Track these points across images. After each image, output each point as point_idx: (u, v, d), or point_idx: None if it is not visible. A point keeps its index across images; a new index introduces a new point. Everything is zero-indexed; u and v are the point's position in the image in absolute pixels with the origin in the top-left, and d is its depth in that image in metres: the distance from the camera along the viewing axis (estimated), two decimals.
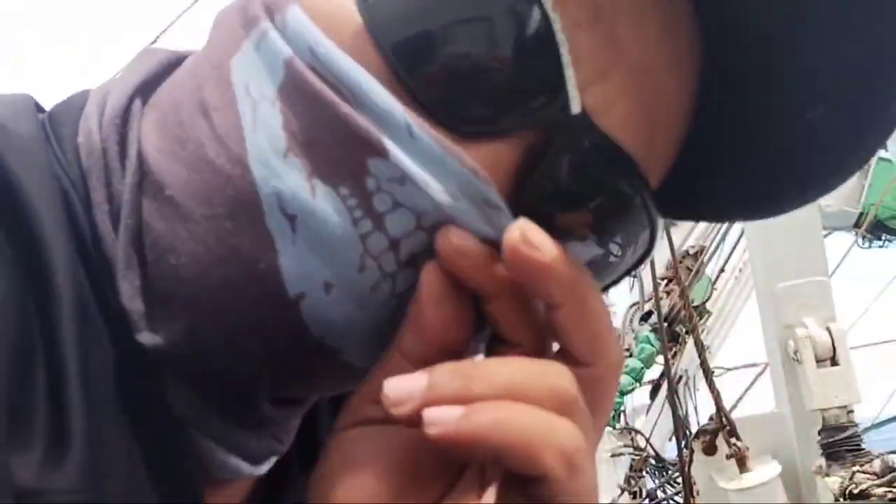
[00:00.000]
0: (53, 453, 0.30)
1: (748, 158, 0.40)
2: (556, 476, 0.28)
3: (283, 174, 0.32)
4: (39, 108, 0.40)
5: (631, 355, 4.70)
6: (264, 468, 0.40)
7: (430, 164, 0.31)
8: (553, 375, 0.30)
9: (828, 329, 2.29)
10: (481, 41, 0.32)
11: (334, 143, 0.31)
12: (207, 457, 0.37)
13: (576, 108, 0.33)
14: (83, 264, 0.34)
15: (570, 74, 0.33)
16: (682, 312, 3.79)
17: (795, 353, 2.33)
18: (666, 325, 4.65)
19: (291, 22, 0.33)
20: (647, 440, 4.50)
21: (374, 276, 0.32)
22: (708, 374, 2.57)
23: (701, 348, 2.66)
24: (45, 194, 0.34)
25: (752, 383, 4.74)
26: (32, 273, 0.32)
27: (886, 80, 0.35)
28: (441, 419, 0.28)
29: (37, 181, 0.34)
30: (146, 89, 0.39)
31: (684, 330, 4.01)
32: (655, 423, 4.59)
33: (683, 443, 2.69)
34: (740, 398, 4.65)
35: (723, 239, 4.79)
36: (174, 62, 0.41)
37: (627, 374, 4.51)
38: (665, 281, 4.70)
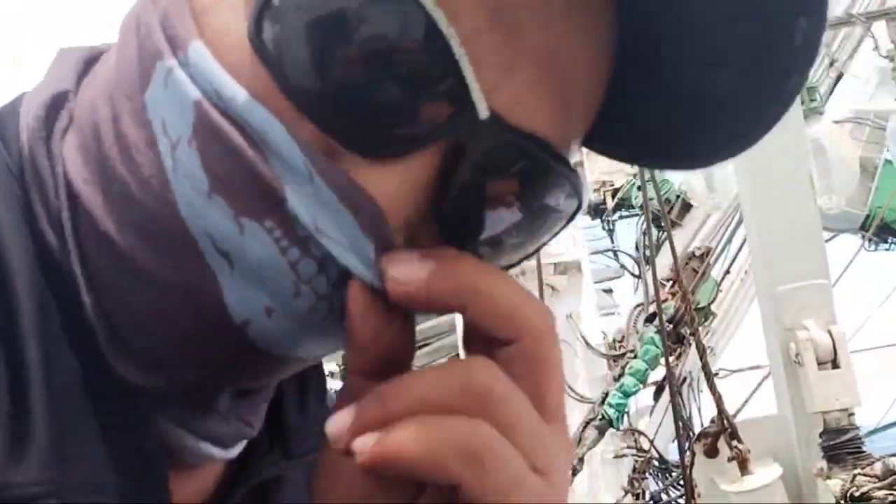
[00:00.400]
0: (16, 447, 0.31)
1: (657, 112, 0.40)
2: (466, 480, 0.29)
3: (210, 214, 0.33)
4: None
5: (635, 357, 4.70)
6: (236, 451, 0.41)
7: (325, 210, 0.32)
8: (465, 374, 0.30)
9: (829, 332, 2.29)
10: (380, 68, 0.32)
11: (251, 181, 0.32)
12: (178, 443, 0.38)
13: (484, 113, 0.33)
14: (40, 260, 0.35)
15: (472, 83, 0.33)
16: (693, 314, 3.78)
17: (797, 355, 2.33)
18: (671, 326, 4.65)
19: (195, 59, 0.33)
20: (651, 442, 4.50)
21: (310, 299, 0.34)
22: (709, 376, 2.57)
23: (702, 351, 2.66)
24: (2, 196, 0.35)
25: (757, 386, 4.72)
26: None
27: (781, 53, 0.36)
28: (360, 448, 0.29)
29: None
30: (64, 97, 0.39)
31: (689, 332, 4.00)
32: (660, 425, 4.58)
33: (686, 445, 2.69)
34: (746, 401, 4.64)
35: (729, 241, 4.78)
36: (91, 60, 0.41)
37: (632, 375, 4.49)
38: (670, 282, 4.69)
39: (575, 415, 5.28)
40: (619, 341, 4.76)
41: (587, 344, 4.72)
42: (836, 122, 5.17)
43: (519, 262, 0.40)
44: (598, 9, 0.37)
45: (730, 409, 2.58)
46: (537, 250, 0.40)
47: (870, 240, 5.30)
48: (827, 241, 3.59)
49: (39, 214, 0.36)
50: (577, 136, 0.39)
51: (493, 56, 0.33)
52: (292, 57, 0.32)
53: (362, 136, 0.33)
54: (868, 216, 4.97)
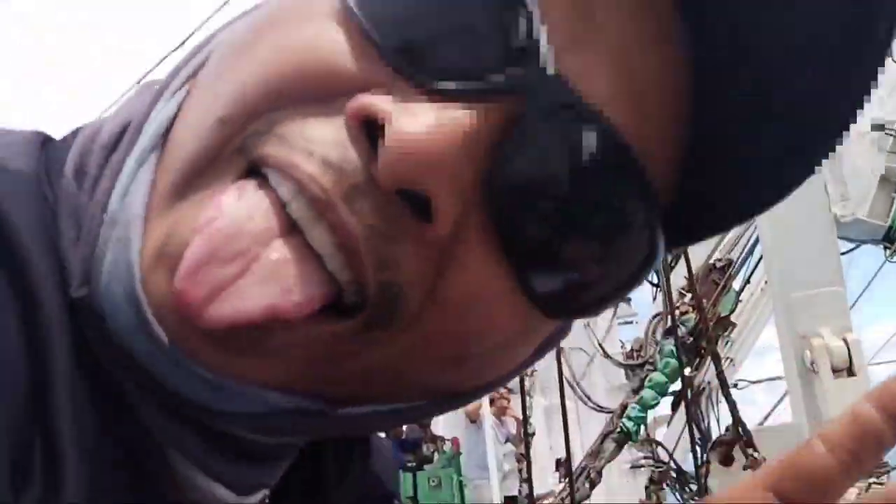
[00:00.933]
0: (49, 498, 0.30)
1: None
2: None
3: None
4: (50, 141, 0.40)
5: (655, 369, 4.67)
6: (253, 499, 0.38)
7: None
8: None
9: (844, 339, 2.28)
10: (453, 7, 0.32)
11: None
12: (190, 483, 0.35)
13: (549, 68, 0.31)
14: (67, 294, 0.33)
15: (541, 34, 0.31)
16: (708, 325, 3.77)
17: (812, 363, 2.32)
18: (691, 339, 4.62)
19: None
20: (671, 455, 4.46)
21: None
22: (724, 384, 2.57)
23: (717, 359, 2.65)
24: (33, 230, 0.33)
25: (781, 398, 4.68)
26: (25, 313, 0.31)
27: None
28: None
29: (25, 217, 0.33)
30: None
31: (704, 341, 3.98)
32: (679, 438, 4.55)
33: (700, 453, 2.68)
34: (769, 414, 4.60)
35: (750, 252, 4.75)
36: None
37: (651, 388, 4.47)
38: (690, 294, 4.66)
39: (592, 424, 5.26)
40: (637, 351, 4.74)
41: (605, 353, 4.71)
42: (873, 128, 5.12)
43: (593, 309, 0.35)
44: (669, 25, 0.35)
45: (753, 420, 2.57)
46: (615, 294, 0.35)
47: (894, 252, 5.23)
48: (848, 251, 3.57)
49: (64, 230, 0.34)
50: (658, 167, 0.34)
51: (564, 20, 0.32)
52: (376, 3, 0.32)
53: (429, 70, 0.31)
54: (891, 227, 4.90)
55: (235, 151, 0.32)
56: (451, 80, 0.31)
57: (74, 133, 0.39)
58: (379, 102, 0.30)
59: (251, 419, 0.34)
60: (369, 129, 0.30)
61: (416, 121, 0.30)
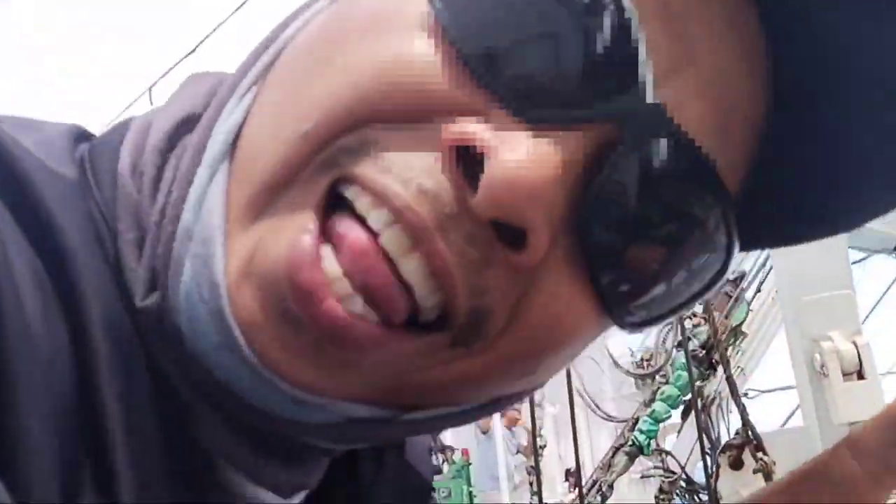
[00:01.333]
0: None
1: (816, 172, 0.37)
2: None
3: None
4: (88, 136, 0.39)
5: (666, 381, 4.66)
6: (296, 500, 0.38)
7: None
8: None
9: (854, 343, 2.28)
10: (553, 31, 0.31)
11: None
12: (237, 491, 0.35)
13: (650, 97, 0.31)
14: (117, 293, 0.33)
15: (644, 63, 0.31)
16: (719, 336, 3.76)
17: (822, 366, 2.32)
18: (704, 352, 4.62)
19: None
20: (682, 467, 4.44)
21: None
22: (733, 387, 2.57)
23: (726, 364, 2.66)
24: (78, 230, 0.33)
25: (795, 409, 4.64)
26: (71, 316, 0.31)
27: None
28: None
29: (70, 218, 0.33)
30: (195, 119, 0.36)
31: (716, 350, 3.98)
32: (691, 451, 4.53)
33: (711, 464, 2.68)
34: (789, 416, 4.57)
35: (763, 264, 4.74)
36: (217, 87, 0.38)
37: (663, 401, 4.45)
38: (701, 305, 4.65)
39: (602, 434, 5.25)
40: (647, 360, 4.73)
41: (615, 363, 4.70)
42: None
43: (669, 315, 0.36)
44: (757, 43, 0.36)
45: (763, 429, 2.57)
46: (687, 302, 0.36)
47: None
48: (859, 261, 3.56)
49: (123, 230, 0.34)
50: (731, 175, 0.35)
51: (664, 47, 0.32)
52: (467, 20, 0.32)
53: (526, 101, 0.31)
54: None
55: (322, 166, 0.31)
56: (548, 108, 0.31)
57: (122, 127, 0.38)
58: (479, 131, 0.30)
59: (328, 429, 0.34)
60: (463, 156, 0.30)
61: (517, 152, 0.29)
